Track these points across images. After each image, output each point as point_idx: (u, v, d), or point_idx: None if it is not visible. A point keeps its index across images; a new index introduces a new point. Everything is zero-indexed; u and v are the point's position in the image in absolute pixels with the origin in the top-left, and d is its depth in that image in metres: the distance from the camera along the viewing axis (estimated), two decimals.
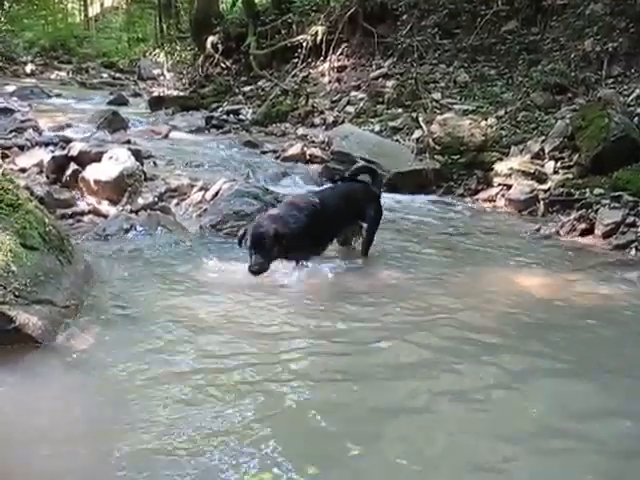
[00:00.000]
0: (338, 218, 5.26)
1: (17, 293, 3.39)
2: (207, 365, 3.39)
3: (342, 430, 2.88)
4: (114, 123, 10.41)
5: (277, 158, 9.47)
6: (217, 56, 17.19)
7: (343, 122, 10.92)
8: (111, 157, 6.50)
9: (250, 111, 13.18)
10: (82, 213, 5.99)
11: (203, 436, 2.75)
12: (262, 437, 2.78)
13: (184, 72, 20.05)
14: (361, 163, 6.92)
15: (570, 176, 7.76)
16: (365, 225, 5.46)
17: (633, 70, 9.41)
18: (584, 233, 6.57)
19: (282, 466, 2.60)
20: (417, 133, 9.54)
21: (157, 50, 24.90)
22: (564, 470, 2.69)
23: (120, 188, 6.30)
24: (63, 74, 23.07)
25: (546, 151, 8.25)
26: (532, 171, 7.92)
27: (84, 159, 6.55)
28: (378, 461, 2.68)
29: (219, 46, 17.28)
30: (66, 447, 2.67)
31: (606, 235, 6.37)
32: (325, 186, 6.15)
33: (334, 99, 12.47)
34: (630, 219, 6.40)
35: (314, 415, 2.97)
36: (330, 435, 2.86)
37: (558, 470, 2.69)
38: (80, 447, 2.67)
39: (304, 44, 14.49)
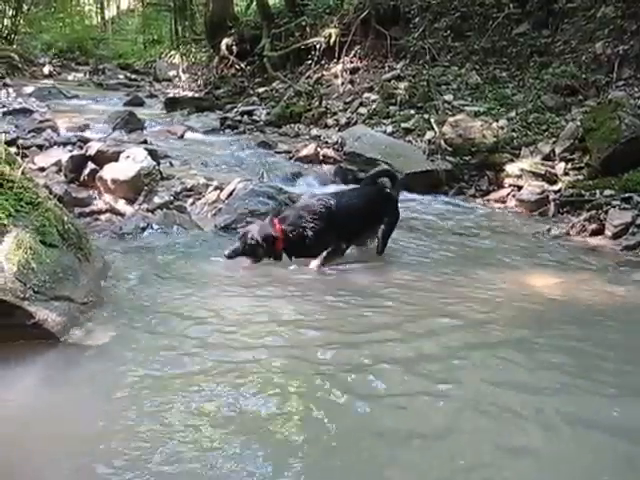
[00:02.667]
0: (358, 220, 5.33)
1: (37, 289, 3.43)
2: (222, 360, 3.42)
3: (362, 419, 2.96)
4: (130, 123, 10.56)
5: (291, 158, 9.55)
6: (232, 58, 17.33)
7: (356, 123, 11.02)
8: (128, 157, 6.60)
9: (264, 112, 13.27)
10: (99, 212, 6.08)
11: (220, 430, 2.79)
12: (278, 431, 2.82)
13: (199, 73, 20.18)
14: (382, 167, 6.67)
15: (580, 177, 7.80)
16: (382, 227, 5.49)
17: None
18: (594, 234, 6.60)
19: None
20: (429, 134, 9.62)
21: (172, 52, 25.04)
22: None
23: (137, 187, 6.40)
24: (80, 75, 23.23)
25: (557, 152, 8.29)
26: (543, 172, 7.96)
27: (101, 159, 6.65)
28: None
29: (234, 48, 17.42)
30: (83, 443, 2.71)
31: (616, 236, 6.41)
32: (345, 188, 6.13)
33: (347, 100, 12.54)
34: None
35: (327, 404, 3.03)
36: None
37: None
38: (97, 443, 2.69)
39: (317, 46, 14.59)
